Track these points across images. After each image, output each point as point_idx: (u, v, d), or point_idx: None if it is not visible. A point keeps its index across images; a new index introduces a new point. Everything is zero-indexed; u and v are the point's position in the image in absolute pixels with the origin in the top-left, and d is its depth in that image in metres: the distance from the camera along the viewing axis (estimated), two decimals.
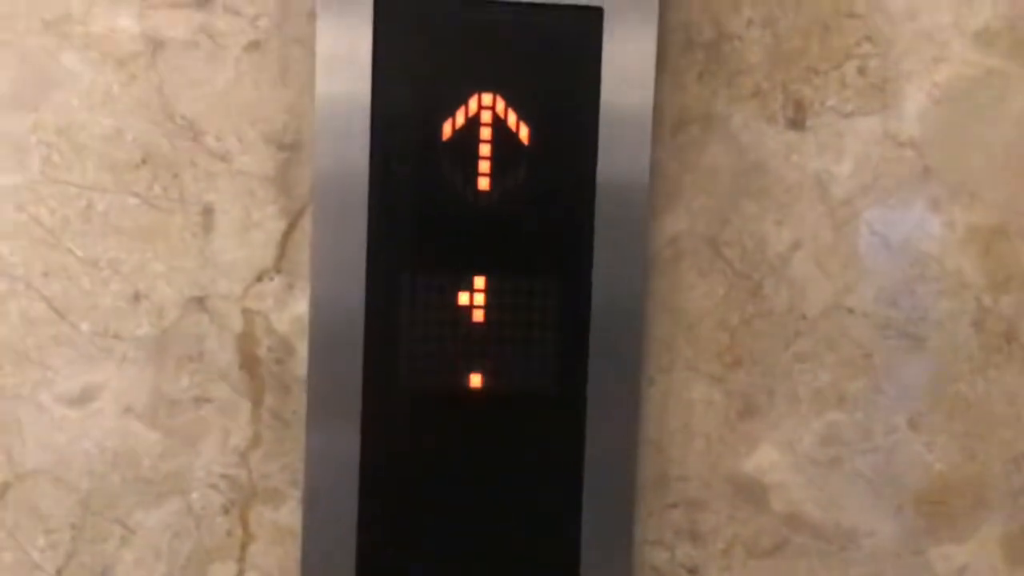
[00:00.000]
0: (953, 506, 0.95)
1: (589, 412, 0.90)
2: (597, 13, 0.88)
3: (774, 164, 0.91)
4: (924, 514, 0.95)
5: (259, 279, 0.88)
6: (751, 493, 0.93)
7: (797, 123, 0.91)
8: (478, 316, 0.89)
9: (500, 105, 0.88)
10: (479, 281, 0.89)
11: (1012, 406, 0.95)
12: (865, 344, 0.93)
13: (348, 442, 0.88)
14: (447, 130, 0.88)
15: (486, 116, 0.88)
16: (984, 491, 0.95)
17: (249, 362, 0.88)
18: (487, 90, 0.88)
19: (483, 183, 0.89)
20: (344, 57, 0.85)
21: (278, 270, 0.88)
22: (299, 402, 0.88)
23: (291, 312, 0.88)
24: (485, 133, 0.88)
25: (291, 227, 0.88)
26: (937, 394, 0.94)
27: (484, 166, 0.88)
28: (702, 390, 0.92)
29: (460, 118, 0.88)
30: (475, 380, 0.89)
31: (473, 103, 0.88)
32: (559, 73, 0.89)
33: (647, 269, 0.90)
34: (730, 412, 0.93)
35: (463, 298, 0.89)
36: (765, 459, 0.93)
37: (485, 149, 0.88)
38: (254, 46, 0.86)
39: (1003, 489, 0.96)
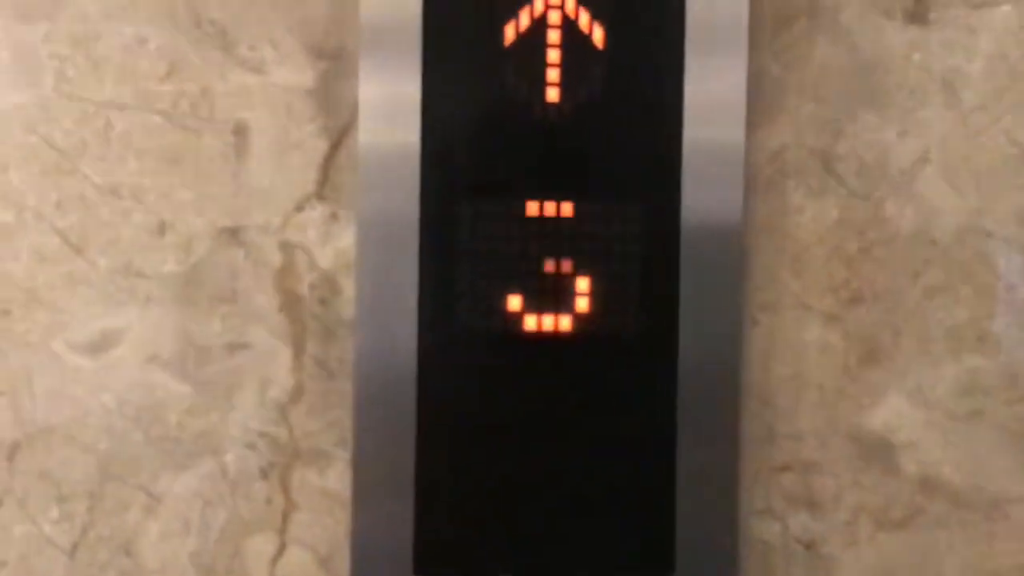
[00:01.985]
0: None
1: (681, 358, 0.78)
2: None
3: (894, 64, 0.79)
4: None
5: (299, 208, 0.78)
6: (877, 453, 0.80)
7: (919, 16, 0.79)
8: (548, 247, 0.78)
9: (570, 3, 0.78)
10: (548, 207, 0.78)
11: None
12: (1007, 273, 0.80)
13: (403, 393, 0.77)
14: (510, 34, 0.77)
15: (554, 16, 0.78)
16: None
17: (289, 303, 0.78)
18: None
19: (551, 94, 0.78)
20: None
21: (320, 197, 0.78)
22: (346, 348, 0.78)
23: (335, 245, 0.78)
24: (553, 36, 0.78)
25: (334, 148, 0.78)
26: None
27: (552, 74, 0.78)
28: (815, 331, 0.80)
29: (524, 19, 0.77)
30: (546, 321, 0.77)
31: (539, 2, 0.77)
32: None
33: (746, 190, 0.78)
34: (849, 357, 0.80)
35: (530, 226, 0.78)
36: (892, 413, 0.80)
37: (553, 55, 0.78)
38: None
39: None
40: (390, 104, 0.76)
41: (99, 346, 0.78)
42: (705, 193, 0.78)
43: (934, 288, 0.80)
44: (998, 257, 0.80)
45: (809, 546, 0.80)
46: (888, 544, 0.80)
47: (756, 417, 0.80)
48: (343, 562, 0.78)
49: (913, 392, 0.80)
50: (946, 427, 0.80)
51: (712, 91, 0.77)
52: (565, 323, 0.78)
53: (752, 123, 0.78)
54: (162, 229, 0.78)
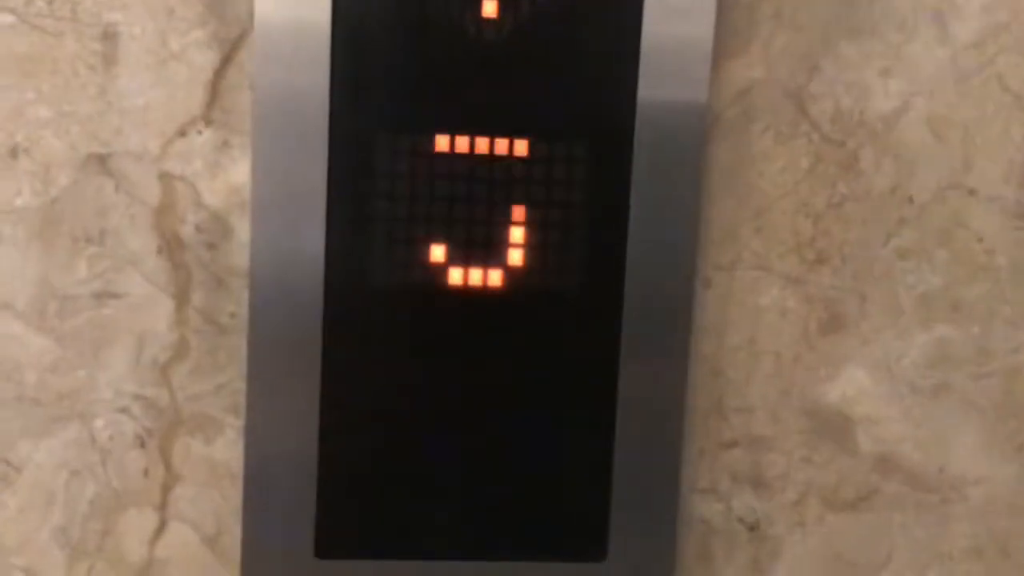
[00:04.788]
0: None
1: (625, 321, 0.70)
2: None
3: None
4: None
5: (182, 132, 0.66)
6: (832, 429, 0.73)
7: None
8: (477, 190, 0.68)
9: None
10: (479, 143, 0.68)
11: None
12: (988, 237, 0.73)
13: (306, 353, 0.67)
14: None
15: None
16: None
17: (170, 245, 0.67)
18: None
19: (488, 8, 0.67)
20: None
21: (208, 121, 0.66)
22: (239, 301, 0.68)
23: (226, 179, 0.67)
24: None
25: (225, 61, 0.66)
26: None
27: None
28: (774, 294, 0.72)
29: None
30: (474, 274, 0.68)
31: None
32: None
33: (707, 132, 0.68)
34: (809, 323, 0.72)
35: (457, 165, 0.67)
36: (852, 385, 0.73)
37: None
38: None
39: None
40: (294, 12, 0.64)
41: None
42: (660, 134, 0.68)
43: (907, 250, 0.73)
44: (979, 219, 0.73)
45: (753, 528, 0.74)
46: (838, 526, 0.75)
47: (705, 387, 0.72)
48: (233, 542, 0.69)
49: (876, 363, 0.73)
50: (909, 402, 0.74)
51: (674, 14, 0.67)
52: (495, 277, 0.69)
53: (718, 53, 0.68)
54: (15, 154, 0.65)
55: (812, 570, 0.75)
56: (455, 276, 0.69)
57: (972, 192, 0.73)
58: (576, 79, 0.69)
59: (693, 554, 0.74)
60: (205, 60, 0.66)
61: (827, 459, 0.74)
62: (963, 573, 0.76)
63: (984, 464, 0.75)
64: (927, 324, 0.74)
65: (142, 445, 0.69)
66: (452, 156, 0.68)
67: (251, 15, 0.64)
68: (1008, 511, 0.76)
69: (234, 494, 0.69)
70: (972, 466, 0.75)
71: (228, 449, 0.69)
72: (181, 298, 0.68)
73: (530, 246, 0.69)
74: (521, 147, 0.68)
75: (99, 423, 0.68)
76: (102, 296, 0.67)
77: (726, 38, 0.69)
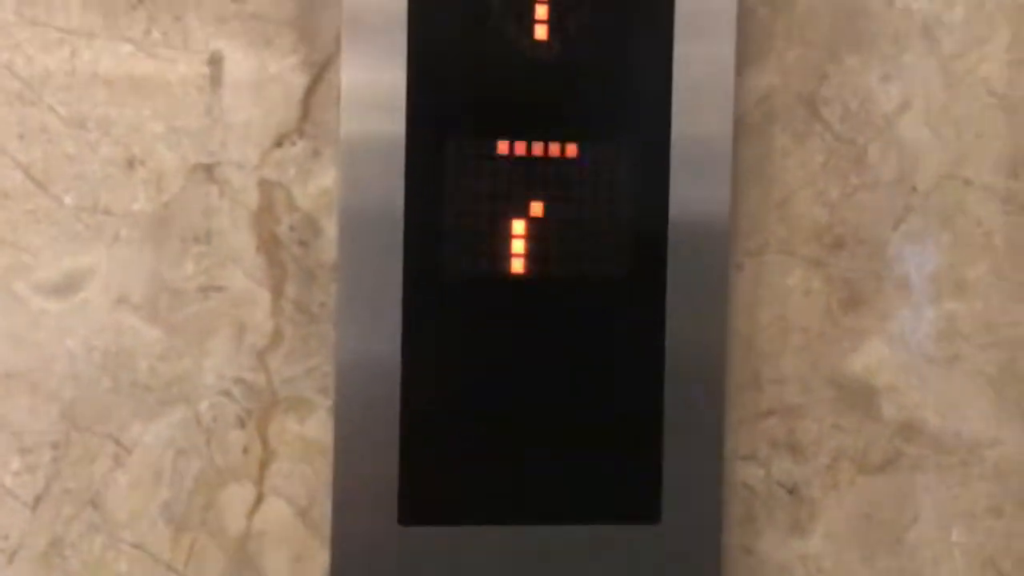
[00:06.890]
0: None
1: (668, 303, 0.79)
2: None
3: (877, 8, 0.81)
4: None
5: (278, 144, 0.76)
6: (858, 397, 0.82)
7: None
8: (536, 190, 0.78)
9: None
10: (536, 148, 0.78)
11: None
12: (985, 221, 0.83)
13: (387, 340, 0.76)
14: None
15: None
16: None
17: (267, 244, 0.76)
18: None
19: (540, 31, 0.78)
20: None
21: (301, 133, 0.76)
22: (327, 292, 0.77)
23: (317, 184, 0.77)
24: None
25: (315, 81, 0.76)
26: None
27: (541, 11, 0.78)
28: (799, 276, 0.82)
29: None
30: (535, 265, 0.77)
31: None
32: None
33: (733, 133, 0.79)
34: (832, 302, 0.82)
35: (518, 170, 0.77)
36: (874, 357, 0.82)
37: None
38: None
39: None
40: (374, 38, 0.75)
41: (64, 288, 0.75)
42: (692, 135, 0.79)
43: (914, 234, 0.83)
44: (976, 205, 0.83)
45: (792, 490, 0.82)
46: (867, 487, 0.83)
47: (741, 362, 0.81)
48: (324, 514, 0.77)
49: (894, 336, 0.83)
50: (925, 371, 0.83)
51: (700, 31, 0.78)
52: (553, 266, 0.78)
53: (740, 64, 0.79)
54: (131, 164, 0.75)
55: (847, 529, 0.83)
56: (517, 266, 0.78)
57: (968, 182, 0.83)
58: (621, 92, 0.79)
59: (738, 516, 0.82)
60: (298, 81, 0.77)
61: (855, 425, 0.83)
62: (985, 530, 0.84)
63: (996, 428, 0.84)
64: (936, 301, 0.83)
65: (242, 425, 0.77)
66: (512, 159, 0.78)
67: (338, 42, 0.75)
68: (1021, 470, 0.84)
69: (325, 469, 0.77)
70: (986, 429, 0.84)
71: (319, 427, 0.77)
72: (277, 290, 0.77)
73: (582, 238, 0.79)
74: (571, 150, 0.79)
75: (203, 406, 0.76)
76: (207, 290, 0.76)
77: (748, 51, 0.80)
